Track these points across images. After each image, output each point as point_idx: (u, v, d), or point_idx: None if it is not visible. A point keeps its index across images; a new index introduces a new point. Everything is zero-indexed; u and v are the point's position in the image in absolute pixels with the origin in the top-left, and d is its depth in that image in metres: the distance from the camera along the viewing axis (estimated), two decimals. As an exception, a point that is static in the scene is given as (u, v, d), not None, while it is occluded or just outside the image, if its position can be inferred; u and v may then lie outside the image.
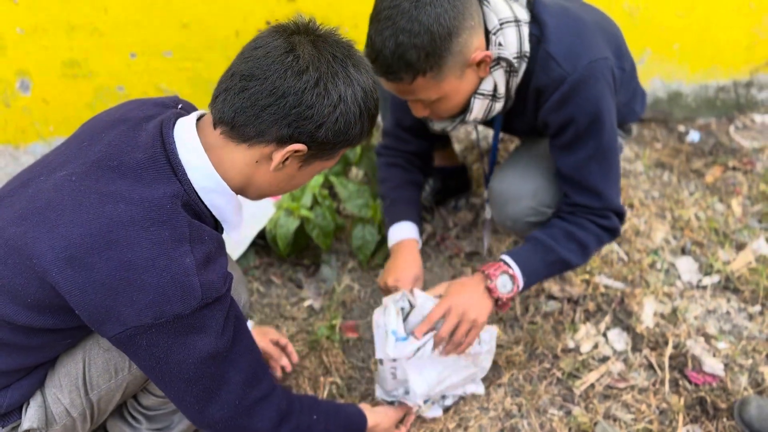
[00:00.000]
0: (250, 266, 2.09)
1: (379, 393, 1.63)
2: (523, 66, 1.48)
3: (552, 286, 2.03)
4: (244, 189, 1.19)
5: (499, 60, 1.44)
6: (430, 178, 2.23)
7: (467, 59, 1.38)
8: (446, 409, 1.69)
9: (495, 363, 1.79)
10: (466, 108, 1.50)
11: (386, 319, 1.53)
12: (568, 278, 2.05)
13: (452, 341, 1.54)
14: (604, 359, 1.86)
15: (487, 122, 1.73)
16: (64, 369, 1.23)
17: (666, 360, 1.85)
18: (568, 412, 1.72)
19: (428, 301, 1.57)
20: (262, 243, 2.11)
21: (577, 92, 1.45)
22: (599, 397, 1.76)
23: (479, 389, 1.73)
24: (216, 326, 1.10)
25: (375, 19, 1.34)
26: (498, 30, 1.42)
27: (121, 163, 1.08)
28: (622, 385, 1.79)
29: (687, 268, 2.16)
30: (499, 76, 1.47)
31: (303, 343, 1.86)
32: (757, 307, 2.02)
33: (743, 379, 1.81)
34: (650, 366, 1.85)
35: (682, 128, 2.86)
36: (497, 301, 1.57)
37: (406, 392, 1.58)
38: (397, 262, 1.71)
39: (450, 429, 1.66)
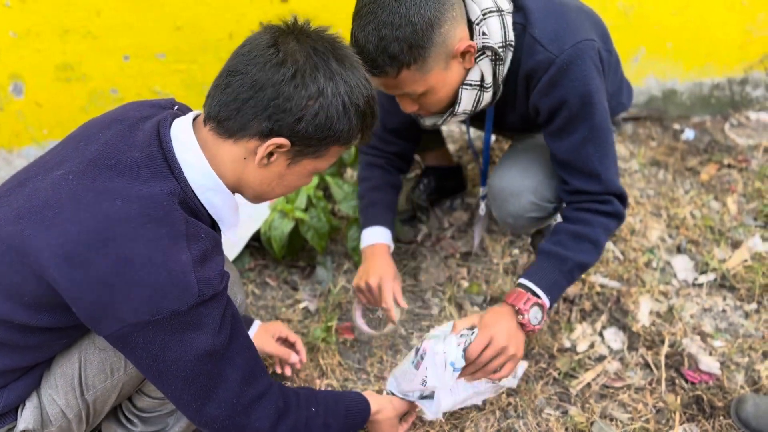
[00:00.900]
0: (244, 268, 2.09)
1: (391, 386, 1.61)
2: (509, 55, 1.49)
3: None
4: (239, 188, 1.19)
5: (484, 50, 1.44)
6: (426, 177, 2.23)
7: (451, 50, 1.39)
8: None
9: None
10: (454, 101, 1.50)
11: (446, 348, 1.50)
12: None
13: (485, 369, 1.52)
14: (600, 358, 1.86)
15: (479, 118, 1.72)
16: (60, 369, 1.22)
17: (662, 359, 1.85)
18: (565, 412, 1.72)
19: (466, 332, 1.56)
20: (256, 245, 2.10)
21: (565, 74, 1.45)
22: (596, 397, 1.76)
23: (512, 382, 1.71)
24: (213, 324, 1.09)
25: (357, 15, 1.35)
26: (481, 20, 1.43)
27: (118, 162, 1.09)
28: (618, 384, 1.79)
29: (683, 266, 2.16)
30: (485, 65, 1.47)
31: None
32: (753, 305, 2.02)
33: (740, 378, 1.81)
34: (647, 365, 1.85)
35: (677, 126, 2.86)
36: (528, 333, 1.58)
37: (422, 397, 1.57)
38: (374, 263, 1.74)
39: (446, 430, 1.66)
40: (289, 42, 1.09)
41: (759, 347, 1.89)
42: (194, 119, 1.18)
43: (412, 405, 1.60)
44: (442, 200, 2.32)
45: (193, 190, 1.12)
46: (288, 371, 1.69)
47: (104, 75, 2.37)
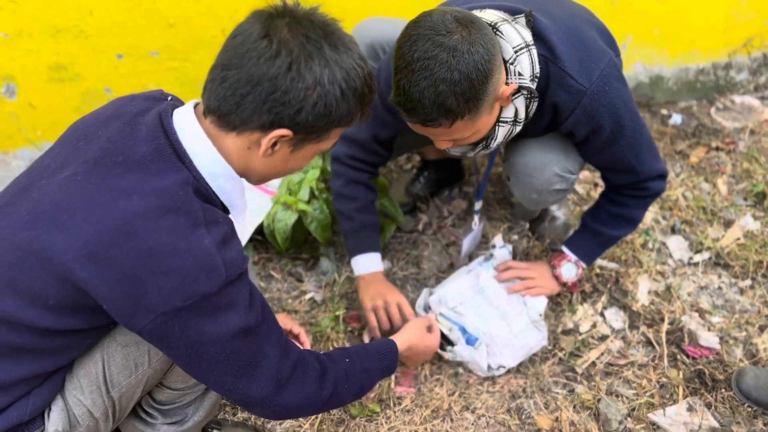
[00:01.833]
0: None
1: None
2: (535, 85, 1.51)
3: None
4: (244, 173, 1.20)
5: (520, 89, 1.46)
6: (426, 170, 2.25)
7: (497, 96, 1.40)
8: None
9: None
10: (488, 135, 1.53)
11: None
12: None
13: (513, 287, 1.85)
14: (603, 338, 1.90)
15: None
16: (83, 370, 1.22)
17: (663, 336, 1.89)
18: (572, 390, 1.75)
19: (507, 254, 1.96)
20: (259, 238, 2.11)
21: (599, 101, 1.49)
22: (601, 375, 1.80)
23: (543, 338, 1.84)
24: (243, 301, 1.10)
25: (407, 68, 1.31)
26: (515, 59, 1.43)
27: (126, 158, 1.08)
28: (622, 362, 1.83)
29: (678, 246, 2.21)
30: (519, 103, 1.49)
31: (308, 336, 1.87)
32: (748, 282, 2.07)
33: (738, 351, 1.86)
34: (648, 342, 1.89)
35: (664, 111, 2.92)
36: (564, 285, 1.91)
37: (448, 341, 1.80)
38: (379, 288, 1.83)
39: (457, 411, 1.69)
40: (281, 31, 1.06)
41: (755, 322, 1.94)
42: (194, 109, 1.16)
43: (430, 318, 1.77)
44: (440, 191, 2.35)
45: (204, 178, 1.12)
46: None
47: (97, 74, 2.35)
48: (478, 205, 1.97)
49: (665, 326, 1.92)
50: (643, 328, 1.92)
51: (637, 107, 1.63)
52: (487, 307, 1.82)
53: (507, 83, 1.43)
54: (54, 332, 1.11)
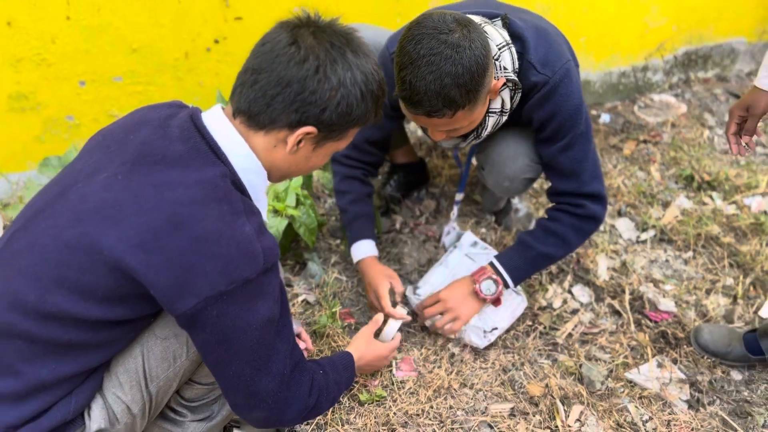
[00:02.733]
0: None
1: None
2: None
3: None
4: (269, 171, 1.28)
5: (506, 81, 1.63)
6: (395, 174, 2.39)
7: (490, 88, 1.56)
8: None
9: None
10: (478, 126, 1.68)
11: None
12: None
13: (434, 326, 1.88)
14: (574, 311, 2.09)
15: None
16: (122, 366, 1.26)
17: (627, 305, 2.10)
18: (555, 360, 1.92)
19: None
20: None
21: (555, 91, 1.66)
22: (578, 343, 1.97)
23: (523, 300, 1.98)
24: (274, 292, 1.18)
25: (414, 65, 1.44)
26: (499, 55, 1.61)
27: (164, 157, 1.15)
28: (595, 330, 2.02)
29: (626, 227, 2.44)
30: (505, 94, 1.66)
31: (308, 334, 1.94)
32: (690, 253, 2.32)
33: (692, 313, 2.08)
34: (615, 312, 2.09)
35: (594, 112, 3.20)
36: (484, 300, 1.88)
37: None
38: (370, 275, 1.94)
39: (456, 388, 1.81)
40: (307, 38, 1.18)
41: (702, 286, 2.18)
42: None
43: (394, 345, 1.79)
44: (410, 192, 2.49)
45: (237, 173, 1.20)
46: None
47: (60, 102, 2.35)
48: (458, 197, 2.12)
49: (627, 297, 2.12)
50: (608, 300, 2.12)
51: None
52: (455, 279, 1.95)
53: (495, 77, 1.59)
54: (102, 324, 1.15)
